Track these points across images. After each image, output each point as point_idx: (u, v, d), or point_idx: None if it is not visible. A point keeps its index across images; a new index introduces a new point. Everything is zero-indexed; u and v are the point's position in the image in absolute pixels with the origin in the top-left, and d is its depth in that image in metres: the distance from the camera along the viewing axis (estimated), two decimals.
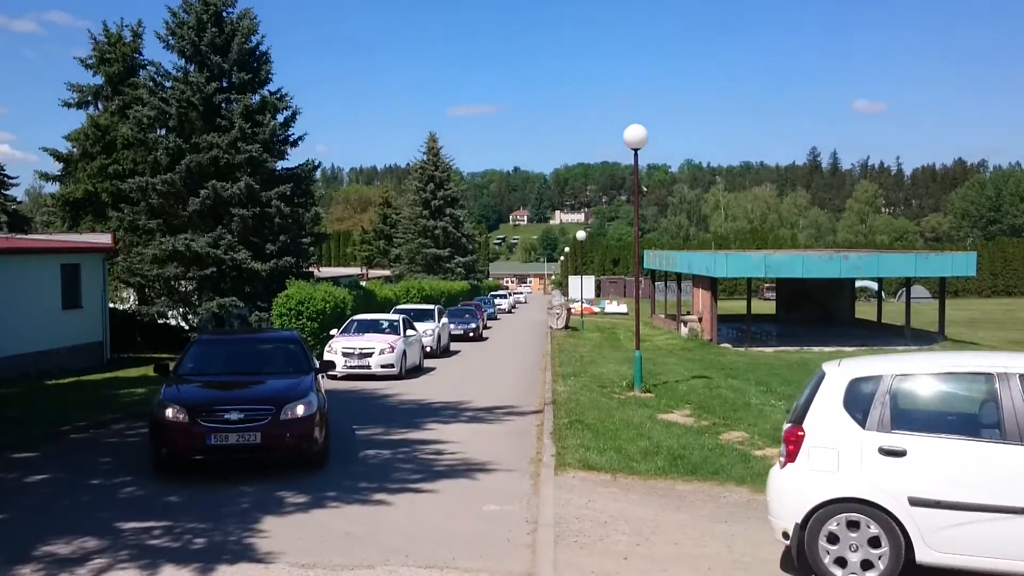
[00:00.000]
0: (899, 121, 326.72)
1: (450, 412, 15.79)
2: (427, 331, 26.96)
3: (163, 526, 8.25)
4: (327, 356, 20.23)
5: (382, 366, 20.97)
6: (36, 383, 19.92)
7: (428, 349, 26.27)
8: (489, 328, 43.45)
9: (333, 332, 23.22)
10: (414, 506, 9.07)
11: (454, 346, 31.71)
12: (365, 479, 10.21)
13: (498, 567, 7.06)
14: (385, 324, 23.23)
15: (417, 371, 23.15)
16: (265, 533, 8.05)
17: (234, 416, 10.04)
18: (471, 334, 35.92)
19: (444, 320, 30.25)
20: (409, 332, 23.31)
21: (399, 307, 30.58)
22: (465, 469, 10.85)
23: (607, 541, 7.65)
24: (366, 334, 22.18)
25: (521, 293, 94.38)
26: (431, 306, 31.53)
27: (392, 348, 21.36)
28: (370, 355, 20.99)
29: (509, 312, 64.71)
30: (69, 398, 17.00)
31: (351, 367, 20.89)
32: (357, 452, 11.95)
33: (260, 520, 8.46)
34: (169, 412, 10.15)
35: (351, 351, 21.06)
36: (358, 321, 23.68)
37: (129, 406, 16.00)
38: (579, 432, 12.70)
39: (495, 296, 66.14)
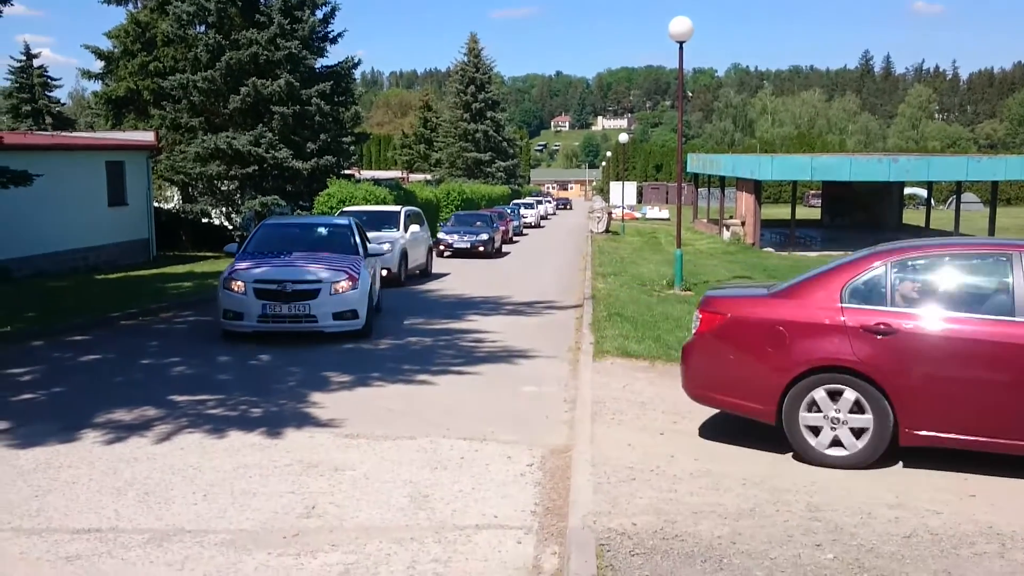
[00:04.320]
0: (957, 24, 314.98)
1: (490, 306, 15.93)
2: (381, 244, 16.23)
3: (216, 399, 8.54)
4: (225, 299, 11.84)
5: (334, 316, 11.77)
6: (86, 277, 20.41)
7: (384, 273, 16.31)
8: (516, 243, 35.91)
9: (230, 245, 13.88)
10: (455, 387, 9.27)
11: (445, 265, 23.75)
12: (407, 362, 10.43)
13: (536, 440, 7.22)
14: (325, 231, 13.85)
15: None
16: (317, 404, 8.37)
17: None
18: (480, 249, 26.87)
19: (416, 229, 20.42)
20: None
21: (347, 209, 21.23)
22: (505, 355, 11.00)
23: (644, 419, 7.77)
24: (295, 254, 12.68)
25: (550, 202, 71.98)
26: (394, 208, 21.63)
27: (352, 280, 11.92)
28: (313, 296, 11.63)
29: (537, 226, 50.17)
30: (118, 290, 17.42)
31: (274, 320, 11.65)
32: (400, 338, 12.17)
33: (308, 395, 8.73)
34: None
35: (277, 288, 11.61)
36: (269, 227, 14.07)
37: (176, 297, 16.37)
38: (618, 324, 12.76)
39: (519, 205, 49.44)
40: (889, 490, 5.94)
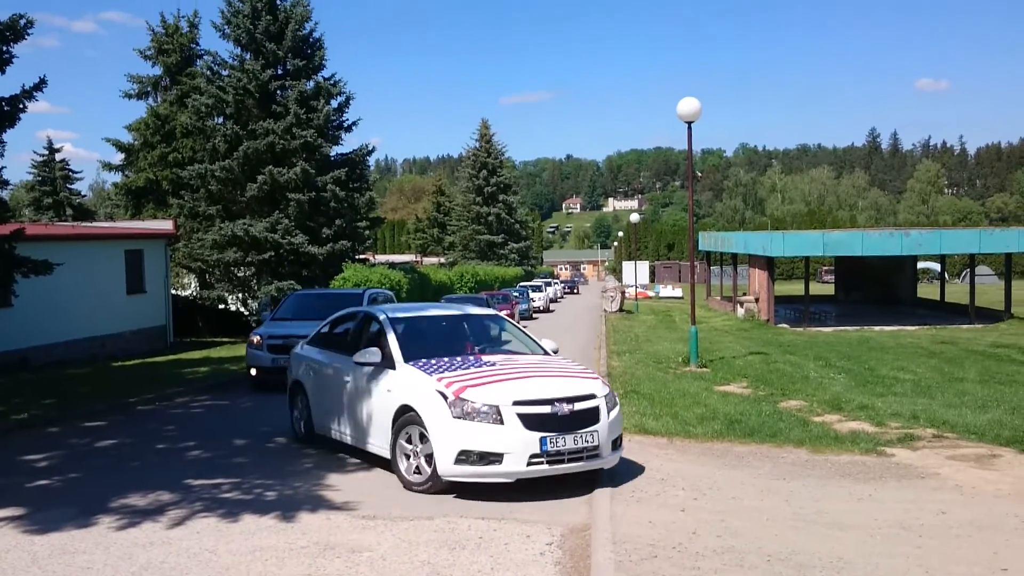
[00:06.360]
0: (963, 99, 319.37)
1: None
2: None
3: (232, 482, 8.49)
4: (462, 434, 7.74)
5: None
6: (103, 364, 20.50)
7: None
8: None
9: (369, 353, 8.91)
10: None
11: None
12: None
13: (555, 519, 7.11)
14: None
15: None
16: (333, 487, 8.29)
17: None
18: None
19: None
20: None
21: (298, 292, 19.76)
22: None
23: (664, 496, 7.65)
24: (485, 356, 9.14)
25: (557, 284, 65.21)
26: (355, 291, 18.05)
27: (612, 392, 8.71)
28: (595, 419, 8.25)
29: (546, 311, 45.76)
30: (135, 376, 17.47)
31: (552, 459, 7.79)
32: None
33: (325, 477, 8.67)
34: None
35: (552, 410, 7.86)
36: (409, 322, 9.65)
37: (193, 382, 16.41)
38: (634, 400, 12.69)
39: (527, 288, 45.44)
40: (918, 564, 5.80)
